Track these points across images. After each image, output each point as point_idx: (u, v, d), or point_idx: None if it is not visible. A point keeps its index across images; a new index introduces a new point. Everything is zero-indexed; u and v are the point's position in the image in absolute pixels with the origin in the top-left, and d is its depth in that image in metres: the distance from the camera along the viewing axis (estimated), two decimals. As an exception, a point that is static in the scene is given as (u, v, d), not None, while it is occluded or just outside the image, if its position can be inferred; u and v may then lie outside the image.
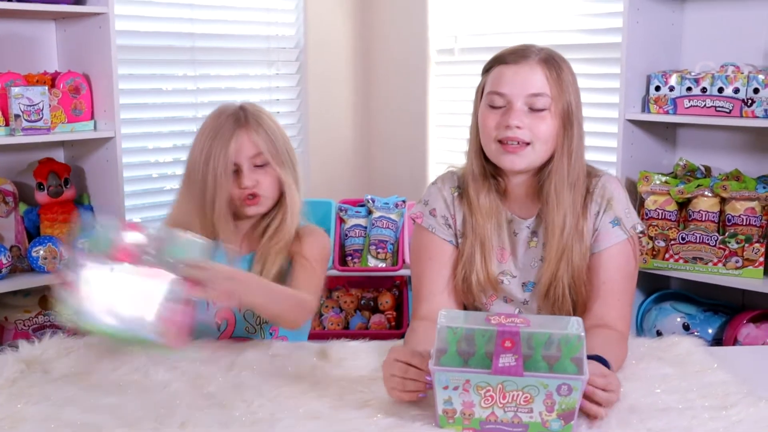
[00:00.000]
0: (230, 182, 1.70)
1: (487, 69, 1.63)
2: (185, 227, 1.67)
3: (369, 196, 3.19)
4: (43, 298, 2.72)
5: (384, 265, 3.07)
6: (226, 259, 1.71)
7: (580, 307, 1.62)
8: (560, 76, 1.57)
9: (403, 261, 3.06)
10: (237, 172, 1.71)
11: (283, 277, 1.73)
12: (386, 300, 3.14)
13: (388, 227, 3.10)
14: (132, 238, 1.36)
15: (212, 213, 1.71)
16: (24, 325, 2.68)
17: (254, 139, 1.71)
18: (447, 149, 3.65)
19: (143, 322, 1.33)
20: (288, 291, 1.64)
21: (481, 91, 1.63)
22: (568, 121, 1.58)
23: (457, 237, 1.67)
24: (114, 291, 1.35)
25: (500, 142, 1.57)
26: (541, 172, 1.61)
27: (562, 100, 1.57)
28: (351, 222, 3.15)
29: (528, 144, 1.56)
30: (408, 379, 1.32)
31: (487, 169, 1.64)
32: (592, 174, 1.66)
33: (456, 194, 1.68)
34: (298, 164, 1.79)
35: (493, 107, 1.58)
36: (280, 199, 1.76)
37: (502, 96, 1.57)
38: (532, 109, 1.56)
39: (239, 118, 1.72)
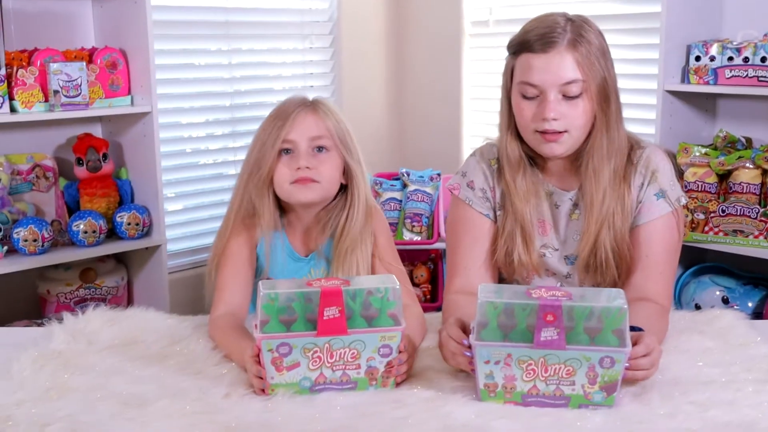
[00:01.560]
0: (276, 157, 1.61)
1: (514, 52, 1.58)
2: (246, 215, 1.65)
3: (404, 170, 3.19)
4: (83, 271, 2.77)
5: (419, 239, 3.07)
6: (282, 253, 1.69)
7: (623, 274, 1.60)
8: (590, 53, 1.53)
9: (438, 234, 3.06)
10: (291, 154, 1.62)
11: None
12: (421, 273, 3.14)
13: (423, 200, 3.09)
14: (331, 311, 1.27)
15: (252, 190, 1.63)
16: (65, 298, 2.73)
17: (321, 119, 1.63)
18: (481, 122, 3.63)
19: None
20: (422, 319, 1.58)
21: (510, 74, 1.60)
22: (604, 97, 1.55)
23: (496, 211, 1.66)
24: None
25: (537, 131, 1.56)
26: (579, 149, 1.59)
27: (597, 78, 1.54)
28: (386, 195, 3.15)
29: (565, 131, 1.55)
30: (448, 351, 1.32)
31: (522, 150, 1.62)
32: (636, 145, 1.63)
33: (495, 167, 1.67)
34: (362, 162, 1.70)
35: (526, 97, 1.56)
36: (344, 192, 1.68)
37: (535, 87, 1.54)
38: (566, 97, 1.53)
39: (304, 103, 1.66)
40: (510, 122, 1.61)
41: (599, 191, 1.57)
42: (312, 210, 1.69)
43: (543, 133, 1.55)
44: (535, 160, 1.64)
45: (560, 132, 1.54)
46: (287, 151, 1.63)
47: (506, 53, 1.64)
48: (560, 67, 1.52)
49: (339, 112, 1.69)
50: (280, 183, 1.63)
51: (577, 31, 1.54)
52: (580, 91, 1.53)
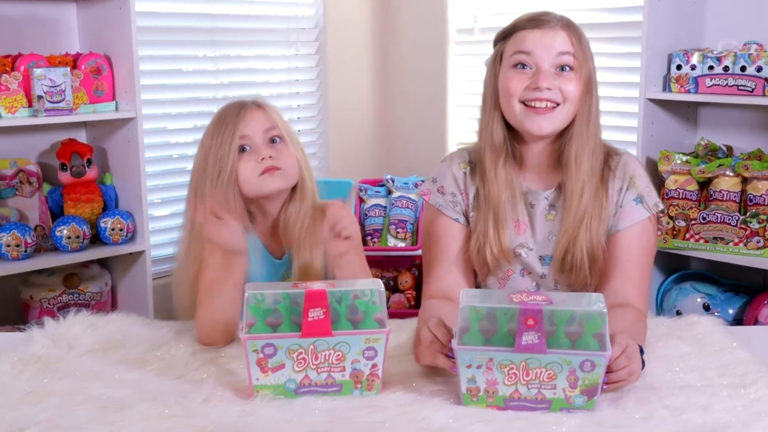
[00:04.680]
0: (236, 156, 1.61)
1: (504, 36, 1.61)
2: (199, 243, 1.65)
3: (388, 176, 3.20)
4: (67, 276, 2.76)
5: (403, 245, 3.08)
6: (259, 258, 1.69)
7: (595, 276, 1.61)
8: (581, 41, 1.58)
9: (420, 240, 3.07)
10: (250, 150, 1.63)
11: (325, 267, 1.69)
12: (406, 279, 3.15)
13: (407, 207, 3.11)
14: (315, 312, 1.27)
15: (219, 197, 1.61)
16: (49, 303, 2.72)
17: (267, 113, 1.67)
18: (466, 129, 3.65)
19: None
20: None
21: (499, 58, 1.61)
22: (589, 88, 1.59)
23: (467, 214, 1.67)
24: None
25: (525, 104, 1.56)
26: (560, 139, 1.61)
27: (586, 64, 1.58)
28: (371, 202, 3.16)
29: (557, 106, 1.56)
30: (428, 349, 1.33)
31: (506, 135, 1.63)
32: (612, 152, 1.66)
33: (468, 170, 1.67)
34: (305, 154, 1.73)
35: (518, 69, 1.57)
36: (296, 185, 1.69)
37: (529, 55, 1.55)
38: (559, 71, 1.56)
39: (245, 103, 1.68)
40: (496, 104, 1.61)
41: (579, 182, 1.58)
42: (276, 203, 1.70)
43: (532, 107, 1.56)
44: (514, 151, 1.65)
45: (553, 105, 1.55)
46: (243, 149, 1.64)
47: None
48: (555, 38, 1.55)
49: (276, 107, 1.72)
50: (248, 179, 1.63)
51: (568, 21, 1.59)
52: (572, 65, 1.56)
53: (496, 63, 1.62)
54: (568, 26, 1.58)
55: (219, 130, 1.64)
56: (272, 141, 1.66)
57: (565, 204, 1.60)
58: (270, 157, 1.63)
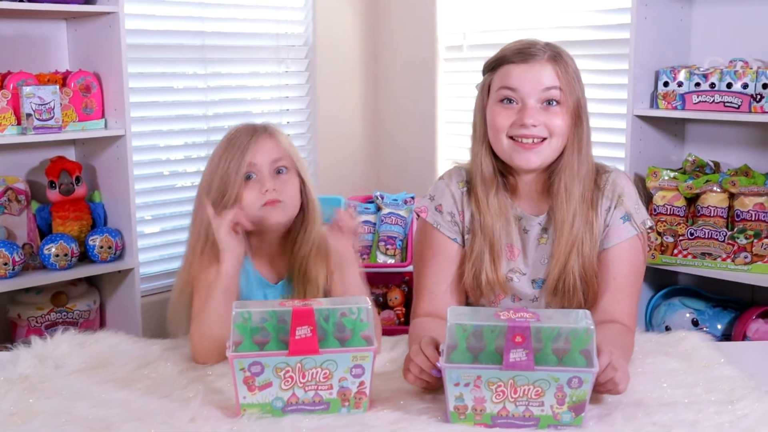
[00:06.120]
0: (242, 182, 1.62)
1: (493, 67, 1.62)
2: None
3: (378, 193, 3.21)
4: (55, 295, 2.75)
5: (393, 261, 3.08)
6: (255, 283, 1.70)
7: (590, 299, 1.61)
8: (568, 72, 1.58)
9: (412, 257, 3.07)
10: (255, 179, 1.64)
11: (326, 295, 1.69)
12: (395, 296, 3.15)
13: (397, 223, 3.11)
14: (303, 331, 1.27)
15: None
16: (36, 322, 2.71)
17: (277, 141, 1.67)
18: (456, 145, 3.66)
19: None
20: (379, 330, 1.61)
21: (487, 89, 1.62)
22: (578, 117, 1.59)
23: (464, 235, 1.67)
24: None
25: (512, 138, 1.57)
26: (551, 168, 1.62)
27: (573, 95, 1.58)
28: (360, 218, 3.16)
29: (544, 140, 1.57)
30: (415, 365, 1.33)
31: (496, 167, 1.64)
32: (601, 170, 1.66)
33: (465, 190, 1.68)
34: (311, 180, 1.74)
35: (504, 104, 1.58)
36: (301, 210, 1.70)
37: (515, 91, 1.56)
38: (546, 105, 1.56)
39: (257, 129, 1.68)
40: (485, 136, 1.62)
41: (570, 211, 1.59)
42: (276, 233, 1.71)
43: (520, 142, 1.56)
44: (506, 180, 1.65)
45: (541, 140, 1.56)
46: (249, 176, 1.64)
47: (481, 77, 1.66)
48: (541, 73, 1.56)
49: (285, 134, 1.73)
50: (250, 207, 1.64)
51: (556, 51, 1.60)
52: (559, 99, 1.56)
53: (483, 94, 1.63)
54: (554, 59, 1.58)
55: (228, 153, 1.65)
56: (278, 171, 1.67)
57: (556, 232, 1.61)
58: (274, 189, 1.64)
